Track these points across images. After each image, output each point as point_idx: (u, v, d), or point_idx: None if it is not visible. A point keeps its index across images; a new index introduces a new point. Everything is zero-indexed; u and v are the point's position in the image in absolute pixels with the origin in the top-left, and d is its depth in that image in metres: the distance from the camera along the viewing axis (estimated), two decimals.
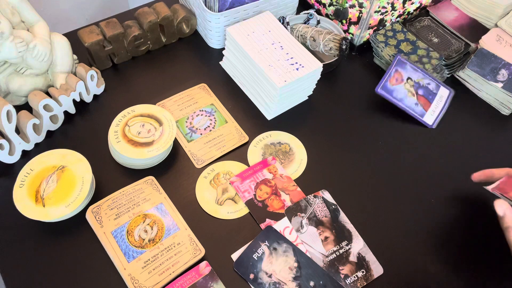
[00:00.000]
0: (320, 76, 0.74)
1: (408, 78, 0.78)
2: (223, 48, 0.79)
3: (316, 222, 0.62)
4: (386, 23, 0.85)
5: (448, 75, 0.84)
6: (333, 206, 0.64)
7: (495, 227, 0.66)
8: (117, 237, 0.57)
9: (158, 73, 0.79)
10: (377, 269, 0.59)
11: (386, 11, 0.82)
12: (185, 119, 0.72)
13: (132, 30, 0.75)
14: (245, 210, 0.63)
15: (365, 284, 0.58)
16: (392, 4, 0.81)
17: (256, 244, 0.59)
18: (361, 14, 0.81)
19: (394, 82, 0.77)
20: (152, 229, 0.58)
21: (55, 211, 0.55)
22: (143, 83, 0.77)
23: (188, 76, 0.79)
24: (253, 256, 0.58)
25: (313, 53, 0.78)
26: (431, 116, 0.77)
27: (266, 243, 0.59)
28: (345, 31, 0.86)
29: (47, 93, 0.68)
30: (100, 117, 0.71)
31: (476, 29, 0.88)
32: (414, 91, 0.78)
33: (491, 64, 0.80)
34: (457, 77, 0.83)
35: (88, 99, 0.72)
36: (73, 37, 0.72)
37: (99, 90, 0.73)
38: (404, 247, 0.62)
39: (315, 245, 0.60)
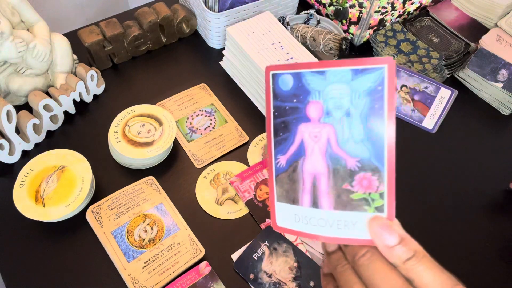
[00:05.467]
0: None
1: (403, 85, 0.78)
2: (223, 48, 0.79)
3: None
4: (386, 23, 0.85)
5: (448, 75, 0.84)
6: None
7: (496, 228, 0.66)
8: (117, 237, 0.57)
9: (158, 73, 0.79)
10: None
11: (386, 11, 0.82)
12: (185, 119, 0.72)
13: (132, 30, 0.75)
14: (245, 210, 0.63)
15: None
16: (392, 4, 0.81)
17: (256, 244, 0.59)
18: (361, 14, 0.81)
19: None
20: (152, 229, 0.58)
21: (55, 211, 0.55)
22: (143, 83, 0.77)
23: (188, 76, 0.79)
24: (253, 256, 0.58)
25: (313, 53, 0.78)
26: (430, 121, 0.76)
27: (266, 243, 0.59)
28: (345, 31, 0.86)
29: (47, 93, 0.68)
30: (100, 117, 0.71)
31: (476, 29, 0.88)
32: (410, 97, 0.78)
33: (491, 64, 0.80)
34: (457, 77, 0.83)
35: (88, 99, 0.72)
36: (73, 37, 0.72)
37: (99, 90, 0.73)
38: None
39: (315, 245, 0.60)
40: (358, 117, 0.28)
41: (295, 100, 0.31)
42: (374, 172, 0.29)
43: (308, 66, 0.30)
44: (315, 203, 0.30)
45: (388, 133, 0.28)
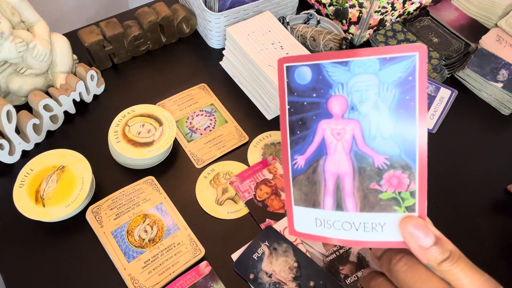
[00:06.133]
0: None
1: None
2: (223, 48, 0.79)
3: None
4: (386, 23, 0.85)
5: (448, 75, 0.84)
6: None
7: (496, 228, 0.66)
8: (117, 237, 0.57)
9: (158, 73, 0.79)
10: None
11: (386, 11, 0.82)
12: (185, 119, 0.72)
13: (132, 30, 0.75)
14: (245, 210, 0.63)
15: None
16: (392, 4, 0.81)
17: (256, 244, 0.59)
18: (361, 14, 0.81)
19: None
20: (152, 229, 0.58)
21: (55, 211, 0.55)
22: (143, 83, 0.77)
23: (188, 76, 0.79)
24: (253, 256, 0.58)
25: (313, 53, 0.78)
26: (430, 121, 0.76)
27: (266, 243, 0.59)
28: (345, 31, 0.86)
29: (47, 93, 0.68)
30: (100, 117, 0.71)
31: (476, 29, 0.88)
32: None
33: (491, 64, 0.80)
34: (457, 77, 0.83)
35: (88, 99, 0.72)
36: (73, 37, 0.72)
37: (99, 90, 0.73)
38: None
39: (315, 245, 0.60)
40: (386, 110, 0.26)
41: (314, 95, 0.28)
42: (404, 169, 0.26)
43: (328, 56, 0.28)
44: (338, 206, 0.28)
45: (420, 127, 0.26)
